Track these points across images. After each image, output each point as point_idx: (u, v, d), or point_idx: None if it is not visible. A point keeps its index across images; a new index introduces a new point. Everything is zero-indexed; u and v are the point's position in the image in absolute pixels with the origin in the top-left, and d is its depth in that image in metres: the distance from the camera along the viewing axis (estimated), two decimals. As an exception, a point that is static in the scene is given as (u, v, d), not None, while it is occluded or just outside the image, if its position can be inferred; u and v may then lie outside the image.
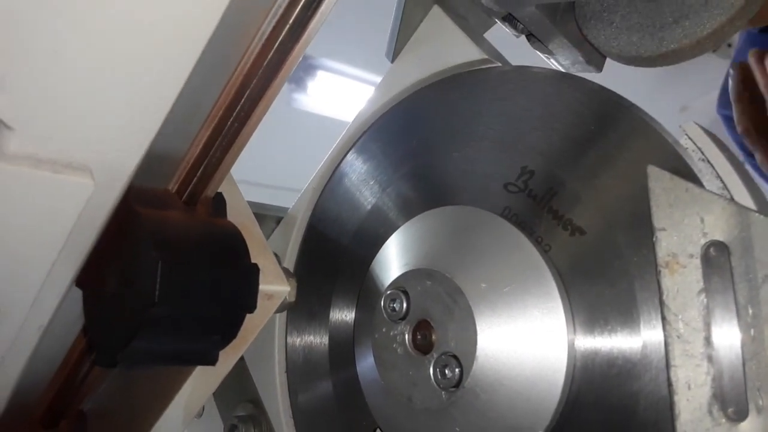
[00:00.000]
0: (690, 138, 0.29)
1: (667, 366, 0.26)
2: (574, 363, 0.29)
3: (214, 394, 0.37)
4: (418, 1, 0.40)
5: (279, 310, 0.37)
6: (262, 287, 0.32)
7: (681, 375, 0.25)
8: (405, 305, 0.34)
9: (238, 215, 0.34)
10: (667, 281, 0.26)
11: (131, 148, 0.26)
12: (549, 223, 0.31)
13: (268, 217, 0.48)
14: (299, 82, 1.91)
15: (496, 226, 0.33)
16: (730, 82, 0.74)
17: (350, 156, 0.42)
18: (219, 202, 0.34)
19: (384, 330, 0.35)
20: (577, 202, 0.31)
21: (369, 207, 0.40)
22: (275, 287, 0.34)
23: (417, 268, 0.34)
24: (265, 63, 0.30)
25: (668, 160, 0.28)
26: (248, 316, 0.32)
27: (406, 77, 0.41)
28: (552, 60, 0.40)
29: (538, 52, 0.40)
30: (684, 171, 0.27)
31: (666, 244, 0.26)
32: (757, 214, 0.24)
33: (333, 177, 0.43)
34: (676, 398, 0.25)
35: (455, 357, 0.31)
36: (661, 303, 0.26)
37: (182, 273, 0.29)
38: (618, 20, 0.34)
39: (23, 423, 0.39)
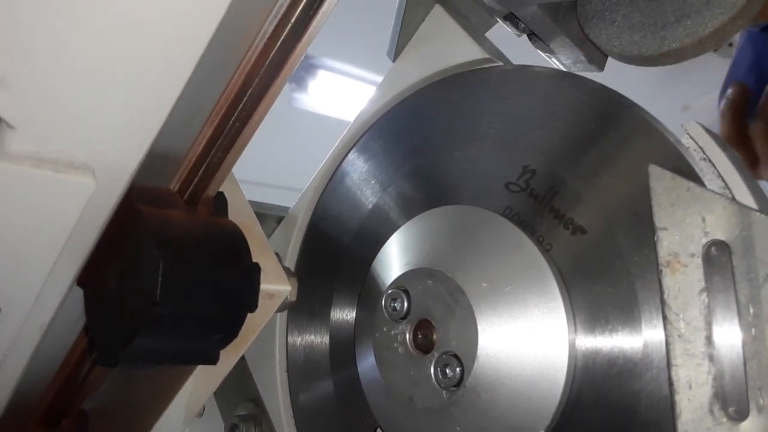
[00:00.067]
0: (691, 137, 0.28)
1: (668, 365, 0.26)
2: (575, 362, 0.29)
3: (214, 393, 0.37)
4: (420, 1, 0.40)
5: (280, 310, 0.37)
6: (263, 286, 0.32)
7: (682, 374, 0.25)
8: (406, 304, 0.34)
9: (239, 214, 0.34)
10: (669, 280, 0.26)
11: (132, 147, 0.26)
12: (550, 223, 0.31)
13: (269, 217, 0.48)
14: (300, 82, 1.91)
15: (497, 226, 0.33)
16: (723, 104, 0.73)
17: (351, 155, 0.42)
18: (220, 201, 0.34)
19: (385, 329, 0.35)
20: (579, 201, 0.30)
21: (370, 206, 0.40)
22: (276, 286, 0.34)
23: (418, 268, 0.34)
24: (266, 62, 0.30)
25: (670, 160, 0.28)
26: (249, 315, 0.32)
27: (408, 76, 0.41)
28: (553, 59, 0.40)
29: (539, 52, 0.40)
30: (685, 170, 0.27)
31: (667, 243, 0.26)
32: (758, 214, 0.24)
33: (334, 176, 0.43)
34: (677, 397, 0.25)
35: (456, 356, 0.31)
36: (663, 302, 0.26)
37: (184, 272, 0.29)
38: (620, 19, 0.34)
39: (24, 422, 0.39)
